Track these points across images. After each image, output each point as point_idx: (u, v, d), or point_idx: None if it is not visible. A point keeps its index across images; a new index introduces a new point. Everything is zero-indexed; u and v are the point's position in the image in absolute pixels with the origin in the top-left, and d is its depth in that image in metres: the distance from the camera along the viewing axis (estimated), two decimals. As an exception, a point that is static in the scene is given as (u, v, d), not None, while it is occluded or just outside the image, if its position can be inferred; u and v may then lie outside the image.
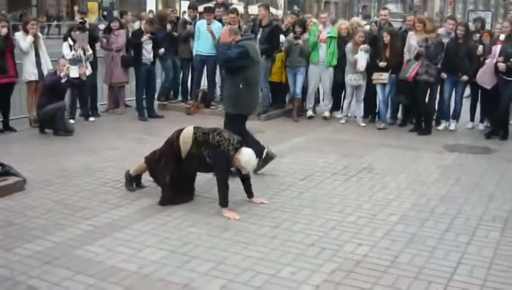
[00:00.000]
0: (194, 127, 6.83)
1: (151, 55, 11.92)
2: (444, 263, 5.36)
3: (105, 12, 41.01)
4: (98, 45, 12.37)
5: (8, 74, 10.26)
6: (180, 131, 6.86)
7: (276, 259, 5.37)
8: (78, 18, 12.07)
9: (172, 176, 6.75)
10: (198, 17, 13.52)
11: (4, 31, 10.18)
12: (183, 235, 5.88)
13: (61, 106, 10.25)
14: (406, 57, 11.24)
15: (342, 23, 12.84)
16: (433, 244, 5.79)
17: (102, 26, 15.52)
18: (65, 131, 10.26)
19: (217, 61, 7.88)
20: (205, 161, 6.63)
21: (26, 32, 10.68)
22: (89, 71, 11.24)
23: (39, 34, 11.36)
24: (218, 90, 12.70)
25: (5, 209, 6.51)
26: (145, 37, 11.72)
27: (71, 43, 11.25)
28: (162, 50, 12.18)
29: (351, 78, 11.77)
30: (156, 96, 12.81)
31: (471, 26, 12.81)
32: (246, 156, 6.55)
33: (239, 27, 12.04)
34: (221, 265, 5.22)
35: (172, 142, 6.83)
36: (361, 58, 11.42)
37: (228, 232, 6.01)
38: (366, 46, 11.42)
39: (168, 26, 12.78)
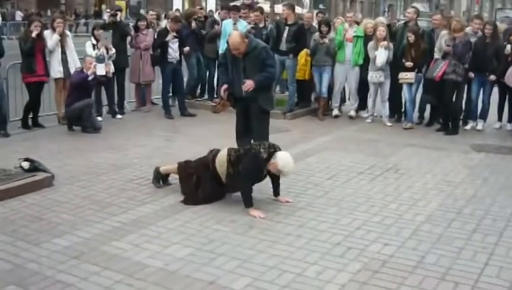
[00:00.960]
0: (227, 149, 6.85)
1: (177, 54, 12.01)
2: (471, 264, 5.33)
3: (142, 11, 41.16)
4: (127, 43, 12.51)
5: (35, 73, 10.36)
6: (215, 154, 6.88)
7: (302, 258, 5.37)
8: (108, 14, 12.19)
9: (207, 197, 6.79)
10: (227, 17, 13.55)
11: (36, 31, 10.29)
12: (209, 233, 5.92)
13: (88, 104, 10.33)
14: (436, 56, 11.16)
15: (368, 22, 12.78)
16: (460, 245, 5.75)
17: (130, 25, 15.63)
18: (93, 128, 10.35)
19: (267, 83, 7.78)
20: None
21: (54, 30, 10.79)
22: (112, 70, 11.31)
23: (68, 32, 11.48)
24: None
25: (34, 205, 6.60)
26: (169, 36, 11.79)
27: (94, 42, 11.36)
28: (186, 48, 12.25)
29: (371, 76, 11.75)
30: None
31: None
32: (282, 160, 6.53)
33: (264, 26, 12.11)
34: (247, 263, 5.24)
35: (208, 164, 6.85)
36: (381, 55, 11.40)
37: (253, 230, 6.03)
38: (385, 42, 11.38)
39: (193, 24, 12.82)
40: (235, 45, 7.49)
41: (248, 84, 7.49)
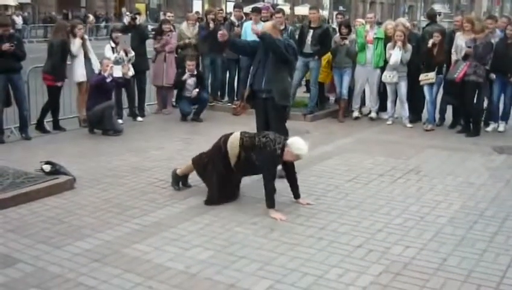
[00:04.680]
0: (240, 132, 6.87)
1: (193, 88, 11.96)
2: (493, 267, 5.28)
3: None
4: (147, 46, 12.54)
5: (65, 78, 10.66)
6: (227, 136, 6.91)
7: (323, 260, 5.36)
8: (128, 18, 12.25)
9: (219, 179, 6.80)
10: (244, 17, 13.53)
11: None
12: (229, 235, 5.91)
13: (109, 105, 10.38)
14: (454, 57, 11.11)
15: (388, 23, 12.72)
16: (483, 247, 5.70)
17: (149, 28, 15.73)
18: (114, 131, 10.40)
19: (275, 46, 7.75)
20: (254, 164, 6.66)
21: (74, 35, 10.86)
22: (131, 72, 11.36)
23: (85, 36, 11.59)
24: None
25: (56, 208, 6.64)
26: (186, 76, 11.84)
27: (113, 45, 11.42)
28: (195, 92, 12.02)
29: (385, 75, 11.76)
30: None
31: None
32: (294, 144, 6.56)
33: (285, 28, 12.10)
34: (268, 266, 5.23)
35: (220, 147, 6.88)
36: (395, 54, 11.38)
37: (274, 232, 6.01)
38: (400, 43, 11.34)
39: (211, 25, 12.78)
40: (265, 28, 7.81)
41: (254, 28, 8.21)
